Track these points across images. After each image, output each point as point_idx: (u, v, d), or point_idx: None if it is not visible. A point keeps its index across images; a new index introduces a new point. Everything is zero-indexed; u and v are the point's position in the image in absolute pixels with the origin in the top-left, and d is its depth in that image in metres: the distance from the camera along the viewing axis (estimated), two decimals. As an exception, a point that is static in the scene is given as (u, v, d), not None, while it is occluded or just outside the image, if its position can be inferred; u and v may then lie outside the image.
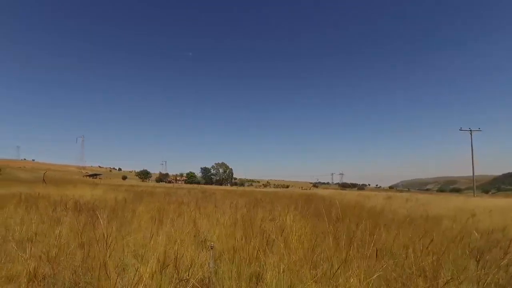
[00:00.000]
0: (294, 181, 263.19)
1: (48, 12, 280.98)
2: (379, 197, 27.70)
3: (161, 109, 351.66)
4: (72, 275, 3.72)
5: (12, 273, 3.72)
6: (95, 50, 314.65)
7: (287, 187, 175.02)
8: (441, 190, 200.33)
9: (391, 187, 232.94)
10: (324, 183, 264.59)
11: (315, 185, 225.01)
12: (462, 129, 54.55)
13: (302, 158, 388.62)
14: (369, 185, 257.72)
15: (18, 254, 4.10)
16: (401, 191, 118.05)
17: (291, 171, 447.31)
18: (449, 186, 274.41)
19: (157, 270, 3.48)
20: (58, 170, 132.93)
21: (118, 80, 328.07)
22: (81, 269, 3.86)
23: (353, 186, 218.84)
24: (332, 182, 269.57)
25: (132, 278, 3.28)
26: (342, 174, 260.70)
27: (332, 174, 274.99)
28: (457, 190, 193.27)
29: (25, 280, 3.52)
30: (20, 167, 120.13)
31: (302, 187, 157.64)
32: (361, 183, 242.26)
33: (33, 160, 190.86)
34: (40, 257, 4.13)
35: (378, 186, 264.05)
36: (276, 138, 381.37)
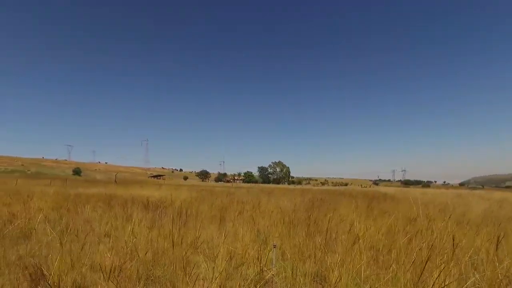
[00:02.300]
0: (353, 179, 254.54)
1: (119, 18, 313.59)
2: (448, 195, 25.21)
3: (219, 110, 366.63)
4: (145, 268, 4.06)
5: (95, 264, 4.21)
6: (157, 53, 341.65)
7: (346, 185, 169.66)
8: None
9: (461, 184, 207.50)
10: (384, 181, 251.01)
11: (375, 182, 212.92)
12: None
13: (361, 155, 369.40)
14: (435, 182, 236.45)
15: (99, 247, 4.64)
16: (474, 188, 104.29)
17: (349, 169, 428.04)
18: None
19: (222, 267, 3.60)
20: (126, 171, 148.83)
21: (177, 83, 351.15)
22: (152, 263, 4.21)
23: (417, 183, 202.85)
24: (394, 180, 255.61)
25: (199, 275, 3.44)
26: (405, 170, 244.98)
27: (394, 171, 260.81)
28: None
29: (106, 271, 3.95)
30: (96, 169, 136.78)
31: (361, 185, 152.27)
32: (425, 180, 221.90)
33: (105, 162, 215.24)
34: (117, 250, 4.60)
35: (446, 183, 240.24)
36: (333, 135, 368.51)
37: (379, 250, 4.37)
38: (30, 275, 3.79)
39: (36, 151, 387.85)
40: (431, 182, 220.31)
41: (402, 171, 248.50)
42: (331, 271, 3.73)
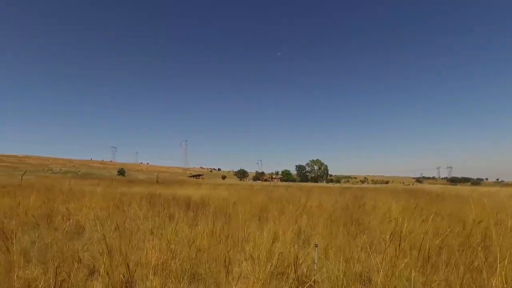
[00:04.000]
0: (394, 176, 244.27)
1: (156, 18, 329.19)
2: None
3: (255, 109, 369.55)
4: (188, 266, 4.23)
5: (141, 260, 4.48)
6: (194, 53, 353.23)
7: (387, 182, 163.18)
8: None
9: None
10: (428, 178, 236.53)
11: (419, 180, 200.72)
12: None
13: (402, 151, 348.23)
14: (486, 179, 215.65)
15: (144, 244, 4.92)
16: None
17: (390, 166, 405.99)
18: None
19: (264, 266, 3.64)
20: (167, 171, 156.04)
21: (215, 84, 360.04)
22: (195, 261, 4.37)
23: (465, 180, 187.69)
24: (439, 177, 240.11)
25: (240, 273, 3.51)
26: (451, 167, 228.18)
27: (438, 168, 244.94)
28: None
29: (151, 267, 4.19)
30: (138, 170, 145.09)
31: (403, 183, 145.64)
32: (475, 177, 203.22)
33: (147, 163, 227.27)
34: (161, 247, 4.85)
35: (499, 180, 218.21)
36: (373, 131, 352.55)
37: (427, 252, 4.13)
38: (84, 268, 4.14)
39: (85, 153, 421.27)
40: (481, 179, 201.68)
41: (447, 168, 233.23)
42: (376, 272, 3.61)
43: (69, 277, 3.45)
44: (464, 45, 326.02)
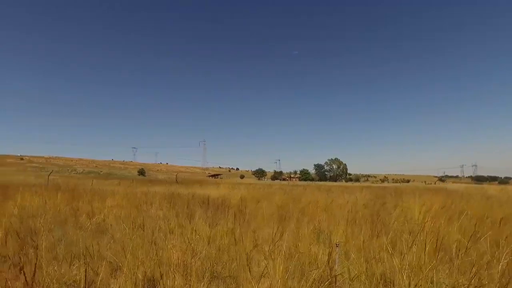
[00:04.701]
0: (415, 175, 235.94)
1: (176, 19, 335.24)
2: None
3: (273, 108, 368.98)
4: (208, 265, 4.29)
5: (163, 259, 4.58)
6: (212, 53, 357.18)
7: (408, 181, 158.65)
8: None
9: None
10: (452, 177, 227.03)
11: (441, 179, 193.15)
12: None
13: (424, 149, 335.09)
14: None
15: (165, 243, 5.03)
16: None
17: (411, 164, 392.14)
18: None
19: (283, 266, 3.64)
20: (186, 171, 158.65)
21: (232, 83, 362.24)
22: (215, 260, 4.43)
23: (492, 179, 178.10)
24: (463, 175, 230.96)
25: (260, 273, 3.52)
26: (476, 165, 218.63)
27: (462, 166, 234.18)
28: None
29: (172, 266, 4.28)
30: (158, 170, 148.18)
31: (425, 182, 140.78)
32: (502, 175, 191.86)
33: (167, 163, 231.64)
34: (181, 247, 4.94)
35: None
36: (393, 128, 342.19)
37: (455, 254, 3.99)
38: (108, 266, 4.28)
39: (107, 153, 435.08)
40: (510, 178, 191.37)
41: (472, 166, 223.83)
42: (399, 274, 3.53)
43: (97, 274, 3.59)
44: (475, 44, 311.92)
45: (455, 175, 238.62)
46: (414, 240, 4.27)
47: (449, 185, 72.34)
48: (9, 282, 3.23)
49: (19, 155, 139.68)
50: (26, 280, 3.05)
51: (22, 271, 3.17)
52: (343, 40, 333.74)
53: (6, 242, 4.73)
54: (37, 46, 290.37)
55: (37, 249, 4.30)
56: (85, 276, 3.11)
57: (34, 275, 3.08)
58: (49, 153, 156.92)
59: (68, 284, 3.47)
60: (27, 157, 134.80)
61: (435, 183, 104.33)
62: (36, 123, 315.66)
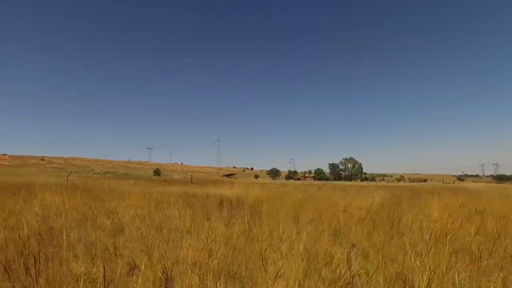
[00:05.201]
0: (432, 174, 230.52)
1: (183, 18, 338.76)
2: None
3: (286, 107, 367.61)
4: (224, 264, 4.31)
5: (179, 258, 4.64)
6: (222, 53, 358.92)
7: (425, 181, 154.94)
8: None
9: None
10: (471, 176, 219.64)
11: (460, 178, 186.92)
12: None
13: (442, 147, 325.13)
14: None
15: (181, 242, 5.09)
16: None
17: (428, 163, 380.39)
18: None
19: (300, 265, 3.62)
20: (200, 171, 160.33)
21: (245, 84, 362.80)
22: (231, 259, 4.45)
23: None
24: (483, 175, 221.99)
25: (276, 273, 3.52)
26: (497, 164, 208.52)
27: (483, 165, 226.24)
28: None
29: (188, 265, 4.32)
30: (173, 170, 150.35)
31: (443, 181, 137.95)
32: None
33: (181, 163, 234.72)
34: (197, 246, 4.99)
35: None
36: (409, 126, 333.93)
37: (476, 255, 3.86)
38: (125, 264, 4.37)
39: (123, 154, 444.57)
40: None
41: (493, 165, 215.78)
42: (418, 275, 3.45)
43: (116, 272, 3.67)
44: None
45: (475, 174, 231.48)
46: (433, 241, 4.17)
47: (469, 184, 70.32)
48: (33, 278, 3.34)
49: (40, 156, 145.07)
50: (48, 277, 3.15)
51: (45, 268, 3.28)
52: (357, 37, 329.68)
53: (29, 240, 4.90)
54: (56, 46, 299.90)
55: (59, 247, 4.44)
56: (104, 274, 3.18)
57: (56, 272, 3.18)
58: (68, 154, 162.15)
59: (88, 281, 3.56)
60: (47, 158, 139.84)
61: (453, 182, 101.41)
62: (57, 124, 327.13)
